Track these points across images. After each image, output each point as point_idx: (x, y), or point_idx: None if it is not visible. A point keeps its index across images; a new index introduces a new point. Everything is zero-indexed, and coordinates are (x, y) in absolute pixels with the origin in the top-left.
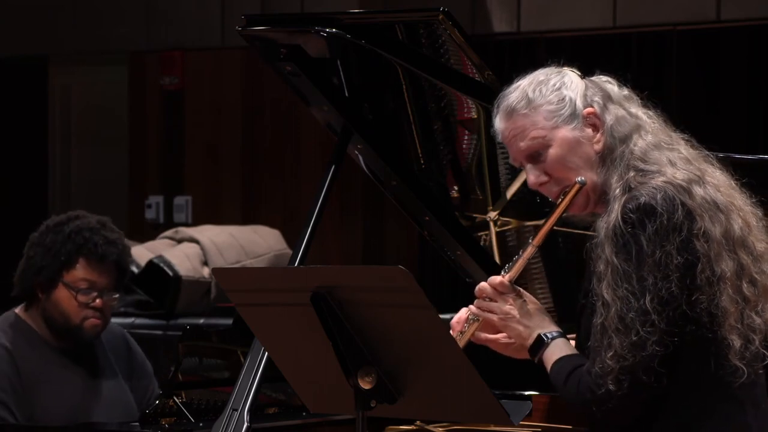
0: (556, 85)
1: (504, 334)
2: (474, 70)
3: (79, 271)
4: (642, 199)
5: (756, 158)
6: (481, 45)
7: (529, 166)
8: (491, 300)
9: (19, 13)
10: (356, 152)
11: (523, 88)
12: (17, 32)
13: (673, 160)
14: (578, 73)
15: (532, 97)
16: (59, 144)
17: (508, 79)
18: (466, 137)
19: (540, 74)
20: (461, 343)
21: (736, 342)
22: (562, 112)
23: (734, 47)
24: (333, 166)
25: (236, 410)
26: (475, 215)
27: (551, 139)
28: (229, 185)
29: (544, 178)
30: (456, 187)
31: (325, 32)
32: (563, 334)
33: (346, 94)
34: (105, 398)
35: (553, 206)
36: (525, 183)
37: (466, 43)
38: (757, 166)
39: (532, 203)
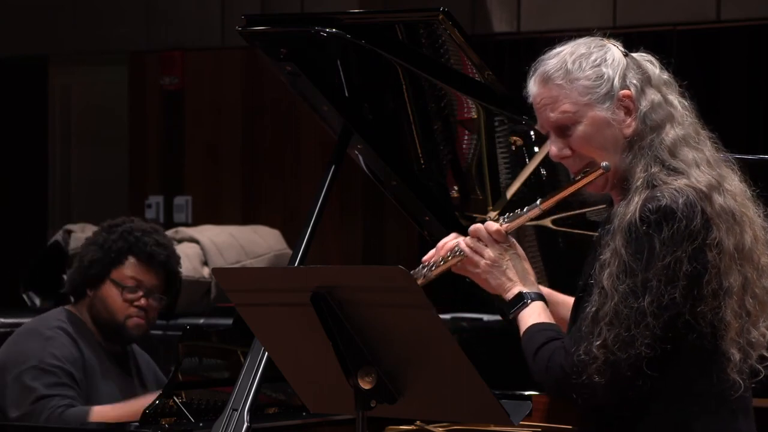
0: (597, 61)
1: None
2: (474, 70)
3: (128, 269)
4: (663, 201)
5: (756, 158)
6: (481, 45)
7: (553, 137)
8: (483, 243)
9: (19, 13)
10: (356, 152)
11: (563, 56)
12: (17, 32)
13: (698, 161)
14: (622, 48)
15: (570, 68)
16: (59, 144)
17: (509, 79)
18: (466, 137)
19: (583, 45)
20: (438, 270)
21: (736, 356)
22: (598, 90)
23: (734, 47)
24: (333, 166)
25: (236, 410)
26: (475, 215)
27: (582, 115)
28: (229, 185)
29: (568, 152)
30: (456, 187)
31: (325, 32)
32: (542, 297)
33: (346, 94)
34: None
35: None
36: (525, 183)
37: (466, 43)
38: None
39: (533, 203)
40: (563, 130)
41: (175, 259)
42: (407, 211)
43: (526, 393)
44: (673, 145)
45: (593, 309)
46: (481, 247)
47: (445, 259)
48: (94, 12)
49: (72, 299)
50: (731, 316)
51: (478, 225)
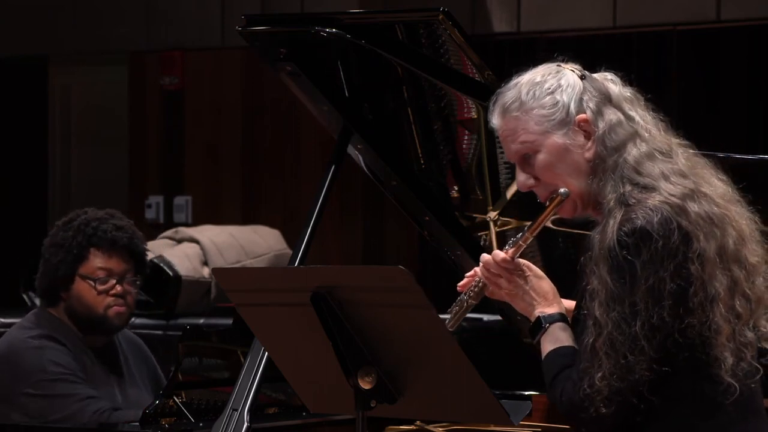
0: (550, 88)
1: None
2: (474, 70)
3: (93, 261)
4: (638, 222)
5: (756, 158)
6: (481, 45)
7: (518, 168)
8: (496, 274)
9: (19, 13)
10: (356, 152)
11: (519, 87)
12: (17, 32)
13: (666, 173)
14: (579, 72)
15: (524, 99)
16: (59, 144)
17: (508, 80)
18: (466, 137)
19: (538, 74)
20: (478, 299)
21: (729, 359)
22: (554, 117)
23: (734, 47)
24: (333, 166)
25: (236, 410)
26: (475, 215)
27: (540, 144)
28: (229, 185)
29: (532, 182)
30: (456, 187)
31: (325, 32)
32: (563, 316)
33: (346, 94)
34: (129, 398)
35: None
36: None
37: (466, 43)
38: (757, 166)
39: (532, 203)
40: (526, 160)
41: (139, 238)
42: (407, 211)
43: (526, 393)
44: (637, 163)
45: (590, 340)
46: (495, 279)
47: (477, 287)
48: (94, 12)
49: (47, 304)
50: (721, 321)
51: (487, 257)
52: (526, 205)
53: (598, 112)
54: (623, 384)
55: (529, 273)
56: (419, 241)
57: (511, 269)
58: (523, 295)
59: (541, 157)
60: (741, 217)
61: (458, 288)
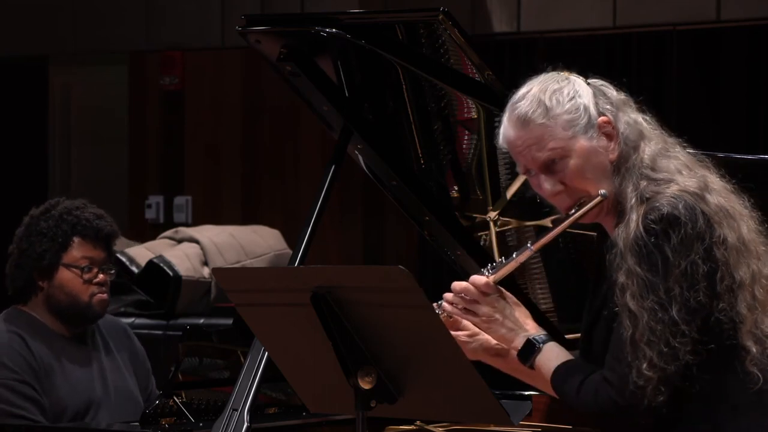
0: (570, 94)
1: (464, 332)
2: (474, 70)
3: (77, 250)
4: (664, 210)
5: (756, 158)
6: (481, 45)
7: (542, 177)
8: (474, 301)
9: (19, 13)
10: (356, 152)
11: (536, 95)
12: (17, 32)
13: (679, 168)
14: (582, 78)
15: (549, 105)
16: (59, 144)
17: (509, 79)
18: (466, 137)
19: (550, 81)
20: None
21: (753, 348)
22: (579, 121)
23: (734, 47)
24: (333, 166)
25: (236, 410)
26: (475, 215)
27: (570, 149)
28: (229, 185)
29: (560, 188)
30: (456, 187)
31: (325, 32)
32: (551, 337)
33: (346, 94)
34: (111, 383)
35: (553, 210)
36: (525, 183)
37: (466, 43)
38: (757, 166)
39: (532, 203)
40: (551, 167)
41: (116, 225)
42: (407, 211)
43: (526, 393)
44: (652, 160)
45: (629, 333)
46: (472, 306)
47: None
48: (94, 12)
49: (18, 301)
50: (744, 309)
51: (464, 284)
52: (526, 205)
53: (615, 114)
54: (671, 370)
55: (505, 300)
56: (419, 241)
57: (490, 294)
58: (504, 320)
59: (572, 162)
60: (744, 208)
61: None
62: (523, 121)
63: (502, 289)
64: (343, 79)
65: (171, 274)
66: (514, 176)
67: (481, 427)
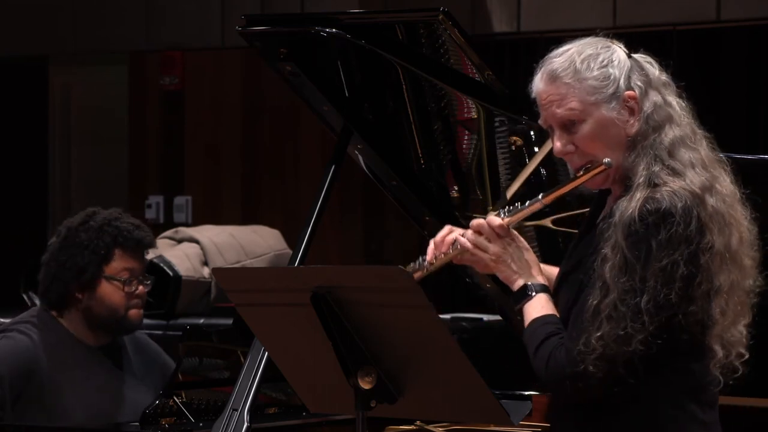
0: (604, 62)
1: None
2: (474, 70)
3: (118, 262)
4: (663, 204)
5: (756, 158)
6: (481, 45)
7: (558, 134)
8: (486, 239)
9: (19, 13)
10: (356, 152)
11: (571, 55)
12: (17, 32)
13: (693, 161)
14: (625, 50)
15: (579, 68)
16: (59, 144)
17: (508, 79)
18: (466, 137)
19: (590, 46)
20: (439, 263)
21: (719, 351)
22: (605, 90)
23: (734, 47)
24: (333, 166)
25: (236, 410)
26: (475, 215)
27: (588, 114)
28: (229, 185)
29: (572, 148)
30: (456, 187)
31: (325, 32)
32: (546, 288)
33: (346, 94)
34: (126, 398)
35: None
36: (525, 183)
37: (466, 43)
38: (757, 166)
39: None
40: (568, 127)
41: (153, 235)
42: (407, 211)
43: (526, 393)
44: (672, 146)
45: (594, 302)
46: (484, 243)
47: (446, 254)
48: (94, 12)
49: (56, 309)
50: (717, 315)
51: (481, 220)
52: (527, 200)
53: (645, 92)
54: (617, 351)
55: (517, 244)
56: (419, 241)
57: (503, 236)
58: (510, 262)
59: (586, 126)
60: (743, 219)
61: (432, 249)
62: (553, 77)
63: (516, 233)
64: (343, 79)
65: (171, 274)
66: (514, 176)
67: (481, 427)
